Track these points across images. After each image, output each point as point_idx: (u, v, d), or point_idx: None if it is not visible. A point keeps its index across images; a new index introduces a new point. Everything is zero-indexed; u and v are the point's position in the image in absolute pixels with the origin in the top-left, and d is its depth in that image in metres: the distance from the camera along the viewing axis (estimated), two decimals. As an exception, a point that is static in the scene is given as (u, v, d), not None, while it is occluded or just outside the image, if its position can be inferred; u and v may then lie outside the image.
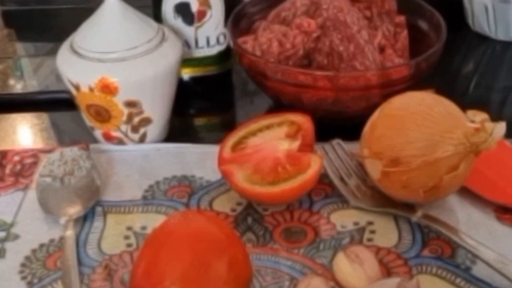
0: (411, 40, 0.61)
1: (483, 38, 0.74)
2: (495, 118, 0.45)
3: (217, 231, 0.43)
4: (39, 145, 0.60)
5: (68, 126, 0.64)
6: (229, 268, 0.41)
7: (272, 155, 0.49)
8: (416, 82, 0.55)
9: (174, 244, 0.41)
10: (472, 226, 0.48)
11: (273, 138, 0.50)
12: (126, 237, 0.48)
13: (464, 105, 0.46)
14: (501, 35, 0.72)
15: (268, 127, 0.51)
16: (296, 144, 0.50)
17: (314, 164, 0.48)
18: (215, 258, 0.41)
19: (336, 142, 0.54)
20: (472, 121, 0.45)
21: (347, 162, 0.52)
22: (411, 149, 0.45)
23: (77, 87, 0.53)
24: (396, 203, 0.48)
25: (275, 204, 0.50)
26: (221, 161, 0.50)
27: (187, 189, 0.52)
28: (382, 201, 0.49)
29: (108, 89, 0.52)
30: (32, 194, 0.51)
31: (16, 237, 0.48)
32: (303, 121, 0.51)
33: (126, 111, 0.54)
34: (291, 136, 0.50)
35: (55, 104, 0.64)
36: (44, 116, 0.64)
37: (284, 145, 0.50)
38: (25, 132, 0.63)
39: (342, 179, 0.51)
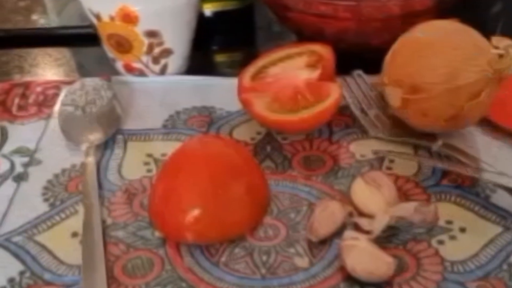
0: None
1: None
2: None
3: (235, 154, 0.43)
4: (61, 78, 0.60)
5: (89, 61, 0.64)
6: (246, 191, 0.42)
7: (292, 83, 0.49)
8: (442, 15, 0.54)
9: (191, 168, 0.42)
10: (492, 156, 0.47)
11: (293, 68, 0.50)
12: (146, 163, 0.48)
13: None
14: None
15: (288, 57, 0.51)
16: (316, 74, 0.49)
17: (334, 93, 0.48)
18: (232, 181, 0.41)
19: (357, 73, 0.53)
20: (496, 48, 0.44)
21: (368, 93, 0.52)
22: (432, 76, 0.44)
23: (98, 17, 0.53)
24: (416, 133, 0.48)
25: (293, 132, 0.50)
26: (241, 89, 0.50)
27: (206, 119, 0.52)
28: (402, 131, 0.49)
29: (128, 18, 0.52)
30: (54, 123, 0.52)
31: (39, 162, 0.49)
32: (324, 51, 0.50)
33: (146, 41, 0.54)
34: (311, 66, 0.50)
35: (77, 39, 0.65)
36: (66, 51, 0.65)
37: (304, 74, 0.49)
38: (48, 65, 0.63)
39: (362, 110, 0.51)
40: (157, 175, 0.46)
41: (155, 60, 0.55)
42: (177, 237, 0.41)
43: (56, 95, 0.56)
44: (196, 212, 0.40)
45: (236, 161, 0.43)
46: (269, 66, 0.51)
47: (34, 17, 0.69)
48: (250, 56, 0.57)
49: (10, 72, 0.61)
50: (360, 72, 0.53)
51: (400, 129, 0.49)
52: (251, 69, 0.51)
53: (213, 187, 0.41)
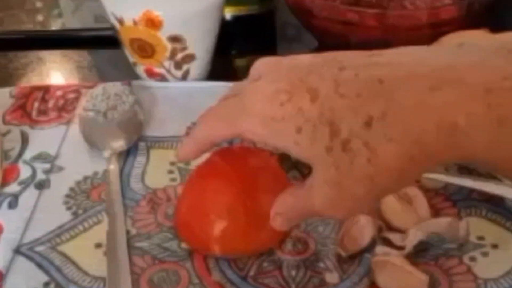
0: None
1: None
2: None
3: (262, 165, 0.42)
4: (80, 81, 0.60)
5: (108, 64, 0.63)
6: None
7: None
8: (470, 24, 0.53)
9: (219, 179, 0.41)
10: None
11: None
12: (170, 172, 0.47)
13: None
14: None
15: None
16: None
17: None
18: (261, 193, 0.40)
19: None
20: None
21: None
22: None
23: (120, 21, 0.52)
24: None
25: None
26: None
27: (230, 127, 0.51)
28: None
29: (152, 23, 0.51)
30: (75, 128, 0.51)
31: (60, 169, 0.48)
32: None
33: (170, 46, 0.53)
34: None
35: (96, 41, 0.64)
36: (85, 54, 0.64)
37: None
38: (66, 68, 0.62)
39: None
40: (183, 185, 0.45)
41: (178, 65, 0.55)
42: (205, 250, 0.40)
43: (76, 99, 0.55)
44: (224, 224, 0.39)
45: (264, 172, 0.42)
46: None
47: (50, 18, 0.69)
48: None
49: (28, 74, 0.61)
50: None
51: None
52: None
53: (241, 199, 0.40)
